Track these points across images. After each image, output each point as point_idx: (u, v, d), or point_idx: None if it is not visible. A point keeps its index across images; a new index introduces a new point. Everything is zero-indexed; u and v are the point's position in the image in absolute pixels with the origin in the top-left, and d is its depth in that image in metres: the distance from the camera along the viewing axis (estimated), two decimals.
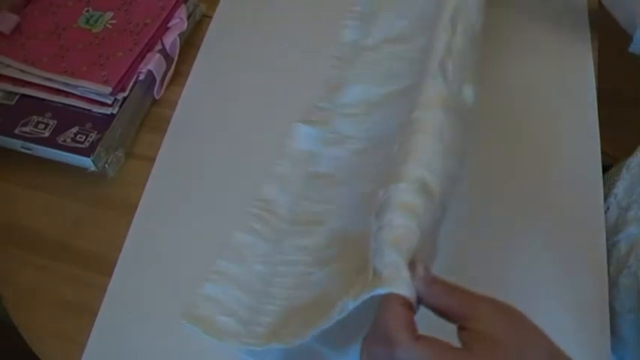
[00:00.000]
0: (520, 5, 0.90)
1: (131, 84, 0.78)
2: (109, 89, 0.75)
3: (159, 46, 0.82)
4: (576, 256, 0.68)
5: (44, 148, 0.73)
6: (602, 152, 0.78)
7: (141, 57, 0.80)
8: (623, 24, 0.77)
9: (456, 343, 0.43)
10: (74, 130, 0.74)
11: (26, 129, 0.74)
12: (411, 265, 0.45)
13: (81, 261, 0.70)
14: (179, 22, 0.85)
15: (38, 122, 0.75)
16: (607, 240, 0.68)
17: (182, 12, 0.86)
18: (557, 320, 0.63)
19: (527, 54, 0.85)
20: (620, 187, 0.76)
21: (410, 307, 0.43)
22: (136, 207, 0.73)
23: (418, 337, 0.42)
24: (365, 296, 0.45)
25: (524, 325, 0.44)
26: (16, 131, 0.74)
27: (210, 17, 0.91)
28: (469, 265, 0.68)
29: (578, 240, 0.69)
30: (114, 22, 0.83)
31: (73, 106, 0.76)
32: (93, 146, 0.73)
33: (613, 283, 0.67)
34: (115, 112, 0.76)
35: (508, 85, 0.83)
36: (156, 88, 0.82)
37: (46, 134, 0.74)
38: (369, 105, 0.74)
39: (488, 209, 0.72)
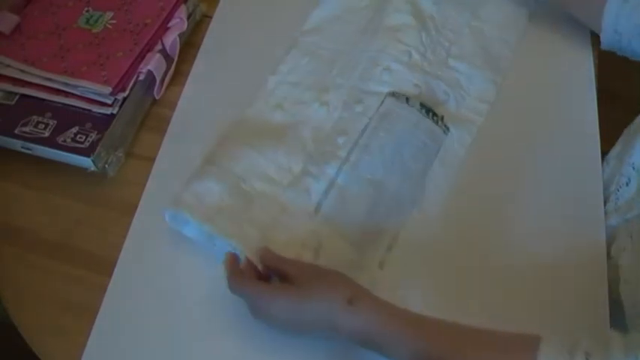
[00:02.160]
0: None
1: (131, 84, 0.78)
2: (109, 89, 0.75)
3: (159, 46, 0.82)
4: (576, 255, 0.68)
5: (44, 148, 0.73)
6: (602, 152, 0.78)
7: (141, 57, 0.80)
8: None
9: None
10: (74, 130, 0.74)
11: (26, 129, 0.74)
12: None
13: (81, 261, 0.70)
14: (179, 22, 0.85)
15: (38, 122, 0.75)
16: None
17: (182, 12, 0.86)
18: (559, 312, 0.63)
19: (528, 54, 0.85)
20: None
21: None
22: (136, 207, 0.73)
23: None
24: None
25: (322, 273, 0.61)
26: (16, 131, 0.74)
27: (210, 17, 0.91)
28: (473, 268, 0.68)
29: (579, 239, 0.69)
30: (114, 22, 0.83)
31: (73, 106, 0.76)
32: (93, 146, 0.73)
33: None
34: (115, 112, 0.76)
35: (508, 85, 0.83)
36: (156, 88, 0.82)
37: (46, 134, 0.74)
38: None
39: (486, 208, 0.72)
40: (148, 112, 0.82)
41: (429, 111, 0.76)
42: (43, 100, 0.77)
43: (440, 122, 0.76)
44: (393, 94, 0.77)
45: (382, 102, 0.76)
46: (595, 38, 0.84)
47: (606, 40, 0.78)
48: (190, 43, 0.88)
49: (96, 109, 0.76)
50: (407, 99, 0.76)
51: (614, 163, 0.76)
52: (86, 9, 0.85)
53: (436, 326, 0.56)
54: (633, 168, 0.72)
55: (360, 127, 0.74)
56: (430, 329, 0.55)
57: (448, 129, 0.77)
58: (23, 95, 0.77)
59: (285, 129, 0.77)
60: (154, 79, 0.81)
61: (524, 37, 0.87)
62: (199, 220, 0.67)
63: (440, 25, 0.85)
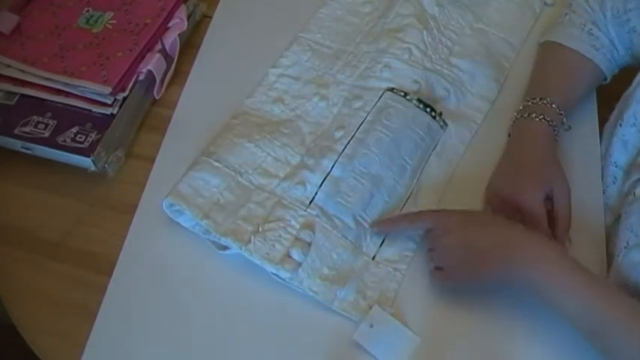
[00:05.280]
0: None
1: (131, 84, 0.78)
2: (109, 89, 0.75)
3: (159, 46, 0.82)
4: (576, 255, 0.68)
5: (44, 148, 0.73)
6: None
7: (141, 57, 0.80)
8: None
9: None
10: (74, 130, 0.74)
11: (26, 129, 0.74)
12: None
13: (81, 261, 0.70)
14: (179, 22, 0.85)
15: (38, 122, 0.75)
16: None
17: (182, 12, 0.86)
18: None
19: (530, 54, 0.85)
20: None
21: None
22: (136, 207, 0.73)
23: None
24: None
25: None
26: (16, 131, 0.74)
27: (210, 17, 0.91)
28: None
29: (579, 239, 0.69)
30: (114, 22, 0.83)
31: (73, 106, 0.76)
32: (93, 146, 0.73)
33: None
34: (115, 112, 0.76)
35: (510, 84, 0.83)
36: (156, 88, 0.82)
37: (46, 134, 0.74)
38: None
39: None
40: (148, 112, 0.82)
41: (427, 106, 0.76)
42: (43, 100, 0.77)
43: (438, 117, 0.76)
44: (391, 90, 0.77)
45: (380, 97, 0.76)
46: None
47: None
48: (190, 43, 0.88)
49: (96, 109, 0.76)
50: (405, 94, 0.76)
51: (602, 163, 0.77)
52: (86, 9, 0.85)
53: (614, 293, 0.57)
54: (616, 166, 0.73)
55: (358, 122, 0.75)
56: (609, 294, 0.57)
57: (446, 124, 0.78)
58: (23, 95, 0.77)
59: (284, 122, 0.77)
60: (153, 79, 0.81)
61: (528, 38, 0.87)
62: (196, 215, 0.68)
63: (442, 26, 0.85)
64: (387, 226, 0.69)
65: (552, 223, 0.68)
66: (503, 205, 0.69)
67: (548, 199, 0.69)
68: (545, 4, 0.91)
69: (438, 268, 0.65)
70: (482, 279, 0.62)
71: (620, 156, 0.73)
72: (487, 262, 0.61)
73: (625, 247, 0.63)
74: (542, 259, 0.58)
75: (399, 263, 0.68)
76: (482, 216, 0.69)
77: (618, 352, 0.55)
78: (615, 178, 0.73)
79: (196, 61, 0.86)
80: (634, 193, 0.66)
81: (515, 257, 0.59)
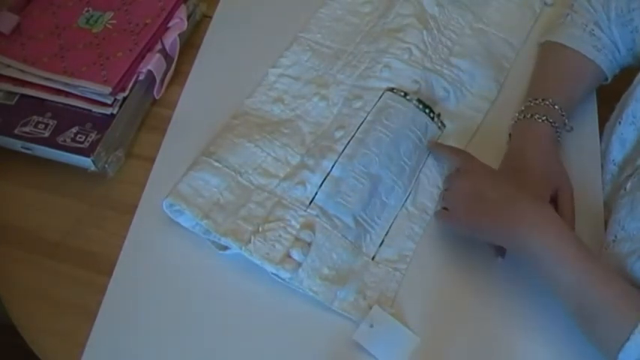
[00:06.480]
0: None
1: (131, 84, 0.78)
2: (109, 89, 0.75)
3: (159, 46, 0.82)
4: None
5: (44, 148, 0.73)
6: None
7: (141, 57, 0.80)
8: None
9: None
10: (74, 130, 0.74)
11: (26, 129, 0.74)
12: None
13: (81, 261, 0.70)
14: (179, 22, 0.85)
15: (38, 122, 0.75)
16: None
17: (182, 12, 0.86)
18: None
19: (530, 55, 0.85)
20: None
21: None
22: (136, 207, 0.73)
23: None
24: None
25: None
26: (16, 131, 0.74)
27: (210, 17, 0.91)
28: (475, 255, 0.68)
29: (579, 236, 0.69)
30: (114, 22, 0.83)
31: (73, 106, 0.76)
32: (93, 146, 0.73)
33: None
34: (115, 112, 0.76)
35: (510, 84, 0.83)
36: (156, 88, 0.82)
37: (46, 134, 0.74)
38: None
39: None
40: (148, 112, 0.82)
41: (426, 107, 0.76)
42: (43, 100, 0.77)
43: (436, 119, 0.77)
44: (391, 90, 0.77)
45: (380, 97, 0.76)
46: None
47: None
48: (190, 43, 0.88)
49: (96, 109, 0.76)
50: (405, 94, 0.76)
51: (602, 161, 0.77)
52: (86, 9, 0.85)
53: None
54: (614, 163, 0.73)
55: (358, 122, 0.75)
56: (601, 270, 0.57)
57: (444, 126, 0.78)
58: (23, 95, 0.77)
59: (284, 122, 0.77)
60: (153, 79, 0.81)
61: (528, 38, 0.87)
62: (196, 215, 0.68)
63: (442, 26, 0.85)
64: (433, 146, 0.75)
65: None
66: None
67: (552, 201, 0.69)
68: (545, 4, 0.91)
69: (445, 209, 0.68)
70: (481, 229, 0.63)
71: (618, 154, 0.73)
72: (490, 214, 0.62)
73: (613, 241, 0.64)
74: (542, 226, 0.58)
75: (398, 263, 0.68)
76: (500, 173, 0.71)
77: (601, 332, 0.55)
78: (613, 175, 0.73)
79: (196, 61, 0.86)
80: (625, 188, 0.67)
81: (515, 217, 0.59)
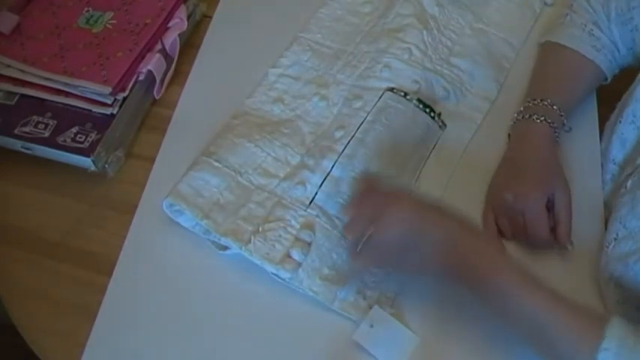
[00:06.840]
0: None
1: (131, 84, 0.78)
2: (109, 89, 0.75)
3: (159, 46, 0.82)
4: (576, 254, 0.68)
5: (44, 148, 0.73)
6: None
7: (141, 57, 0.80)
8: None
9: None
10: (74, 130, 0.74)
11: (26, 129, 0.74)
12: None
13: (81, 261, 0.70)
14: (179, 22, 0.85)
15: (38, 122, 0.75)
16: None
17: (182, 12, 0.86)
18: None
19: (530, 55, 0.85)
20: None
21: None
22: (136, 207, 0.73)
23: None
24: None
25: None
26: (16, 131, 0.74)
27: (210, 17, 0.91)
28: None
29: (578, 238, 0.69)
30: (114, 22, 0.83)
31: (73, 106, 0.76)
32: (93, 146, 0.73)
33: None
34: (115, 112, 0.76)
35: (510, 84, 0.83)
36: (156, 88, 0.82)
37: (46, 134, 0.74)
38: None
39: (483, 206, 0.72)
40: (148, 112, 0.82)
41: (426, 106, 0.76)
42: (43, 100, 0.77)
43: (437, 118, 0.77)
44: (391, 90, 0.77)
45: (380, 97, 0.76)
46: None
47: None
48: (190, 43, 0.88)
49: (96, 109, 0.76)
50: (405, 94, 0.76)
51: (602, 160, 0.77)
52: (86, 9, 0.85)
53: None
54: (614, 163, 0.73)
55: (358, 122, 0.75)
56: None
57: (445, 125, 0.78)
58: (23, 95, 0.77)
59: (284, 122, 0.77)
60: (153, 79, 0.81)
61: (528, 38, 0.87)
62: (196, 215, 0.68)
63: (442, 26, 0.85)
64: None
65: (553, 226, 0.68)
66: (504, 208, 0.69)
67: (549, 201, 0.69)
68: (545, 4, 0.91)
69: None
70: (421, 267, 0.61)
71: (618, 153, 0.73)
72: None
73: (614, 239, 0.64)
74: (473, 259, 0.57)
75: None
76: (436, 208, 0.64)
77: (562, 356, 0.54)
78: (613, 175, 0.73)
79: (196, 61, 0.86)
80: (625, 186, 0.67)
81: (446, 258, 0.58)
